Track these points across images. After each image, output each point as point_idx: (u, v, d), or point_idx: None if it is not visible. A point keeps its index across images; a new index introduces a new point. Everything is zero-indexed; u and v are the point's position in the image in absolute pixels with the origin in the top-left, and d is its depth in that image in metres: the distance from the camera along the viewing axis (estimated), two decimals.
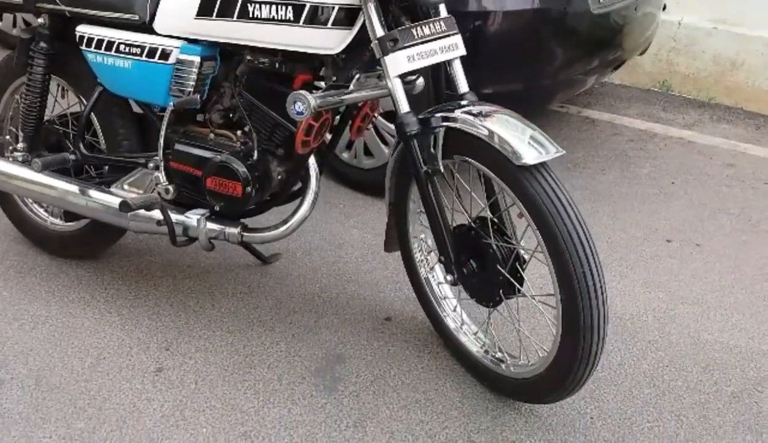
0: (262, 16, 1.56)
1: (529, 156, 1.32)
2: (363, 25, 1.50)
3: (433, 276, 1.82)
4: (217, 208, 1.74)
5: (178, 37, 1.70)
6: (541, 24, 2.35)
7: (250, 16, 1.57)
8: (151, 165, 1.80)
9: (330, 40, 1.53)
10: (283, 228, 1.76)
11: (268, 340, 1.88)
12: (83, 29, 1.81)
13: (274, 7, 1.53)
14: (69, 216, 2.03)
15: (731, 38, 3.80)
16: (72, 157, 1.92)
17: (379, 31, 1.47)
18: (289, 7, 1.52)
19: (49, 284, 2.08)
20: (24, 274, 2.13)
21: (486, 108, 1.50)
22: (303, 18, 1.51)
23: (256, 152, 1.68)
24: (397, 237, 1.84)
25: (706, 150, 3.20)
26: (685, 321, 2.00)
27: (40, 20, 1.85)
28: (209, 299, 2.04)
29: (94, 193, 1.85)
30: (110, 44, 1.76)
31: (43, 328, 1.90)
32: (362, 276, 2.17)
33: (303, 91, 1.47)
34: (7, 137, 2.20)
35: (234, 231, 1.75)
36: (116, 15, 1.74)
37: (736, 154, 3.17)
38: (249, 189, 1.67)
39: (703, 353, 1.87)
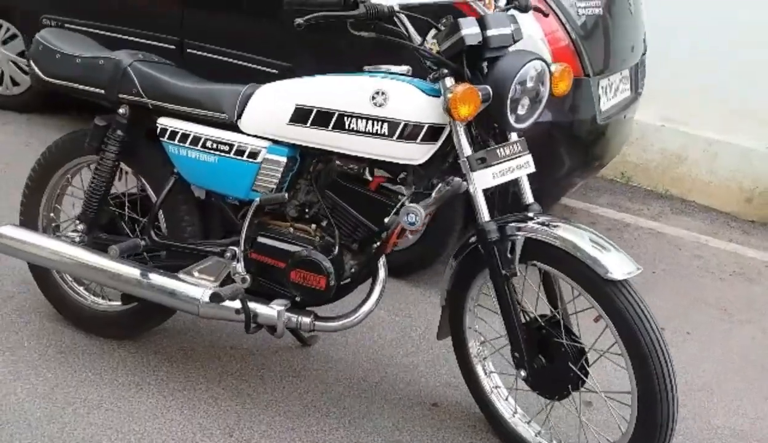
0: (358, 129, 1.70)
1: (618, 271, 1.51)
2: (445, 140, 1.69)
3: (485, 366, 1.96)
4: (297, 299, 1.83)
5: (264, 138, 1.82)
6: (555, 134, 2.61)
7: (346, 128, 1.71)
8: (228, 254, 1.88)
9: (417, 153, 1.69)
10: (352, 318, 1.86)
11: (327, 426, 1.95)
12: (165, 122, 1.89)
13: (370, 122, 1.69)
14: (127, 299, 2.04)
15: (677, 135, 4.31)
16: (142, 242, 1.96)
17: (467, 150, 1.65)
18: (385, 124, 1.68)
19: (93, 365, 2.07)
20: (65, 354, 2.11)
21: (557, 220, 1.70)
22: (397, 134, 1.67)
23: (337, 247, 1.80)
24: (450, 326, 1.98)
25: (675, 241, 3.55)
26: (696, 408, 2.22)
27: (121, 110, 1.92)
28: (260, 383, 2.09)
29: (172, 282, 1.89)
30: (196, 139, 1.85)
31: (99, 413, 1.89)
32: (400, 360, 2.29)
33: (415, 205, 1.62)
34: (51, 214, 2.21)
35: (307, 320, 1.85)
36: (203, 112, 1.85)
37: (700, 246, 3.53)
38: (332, 282, 1.78)
39: (717, 439, 2.09)
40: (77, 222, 2.08)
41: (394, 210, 1.74)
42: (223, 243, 1.94)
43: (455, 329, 1.97)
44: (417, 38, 1.66)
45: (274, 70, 2.78)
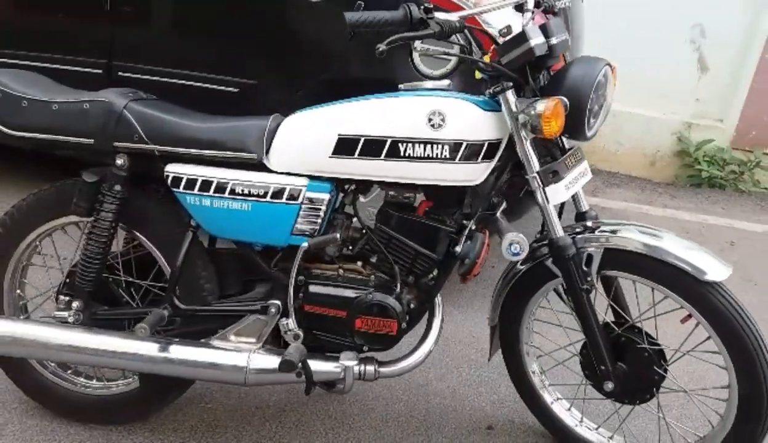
0: (415, 155, 1.55)
1: (715, 273, 1.50)
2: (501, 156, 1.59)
3: (544, 380, 1.91)
4: (365, 348, 1.65)
5: (298, 174, 1.61)
6: None
7: (402, 155, 1.55)
8: (271, 310, 1.65)
9: (477, 173, 1.57)
10: (414, 359, 1.71)
11: None
12: (177, 169, 1.61)
13: (429, 146, 1.54)
14: (147, 377, 1.74)
15: None
16: (165, 312, 1.67)
17: (536, 165, 1.56)
18: (446, 146, 1.54)
19: None
20: None
21: (624, 225, 1.66)
22: (459, 155, 1.55)
23: (398, 284, 1.65)
24: (503, 347, 1.90)
25: (621, 214, 3.71)
26: None
27: (119, 161, 1.61)
28: (305, 440, 1.88)
29: (210, 353, 1.62)
30: (222, 186, 1.59)
31: None
32: (437, 386, 2.17)
33: (518, 234, 1.49)
34: (18, 291, 1.83)
35: (371, 368, 1.67)
36: (224, 153, 1.59)
37: (644, 216, 3.72)
38: (403, 324, 1.63)
39: None
40: (62, 297, 1.74)
41: (464, 237, 1.61)
42: (253, 298, 1.71)
43: (509, 347, 1.88)
44: (477, 50, 1.53)
45: (233, 88, 2.51)
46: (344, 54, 2.36)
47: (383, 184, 1.64)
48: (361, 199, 1.71)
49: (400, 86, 1.65)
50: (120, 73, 2.64)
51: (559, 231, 1.60)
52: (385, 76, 2.34)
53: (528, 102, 1.48)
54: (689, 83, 4.72)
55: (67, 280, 1.77)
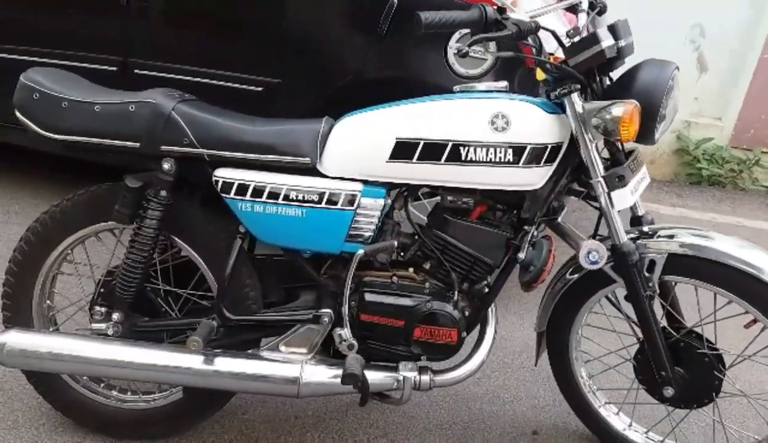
0: (477, 159, 1.50)
1: None
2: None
3: (592, 385, 1.87)
4: (424, 358, 1.60)
5: (351, 179, 1.55)
6: None
7: (463, 159, 1.50)
8: (325, 319, 1.59)
9: (538, 177, 1.53)
10: (469, 368, 1.66)
11: None
12: (227, 174, 1.53)
13: (492, 149, 1.49)
14: (190, 390, 1.67)
15: None
16: (214, 323, 1.59)
17: (601, 169, 1.52)
18: (510, 150, 1.49)
19: None
20: None
21: (683, 230, 1.63)
22: (523, 159, 1.50)
23: (456, 292, 1.60)
24: (551, 352, 1.86)
25: None
26: None
27: (166, 166, 1.53)
28: None
29: (262, 365, 1.56)
30: (275, 192, 1.52)
31: None
32: (474, 391, 2.12)
33: (597, 241, 1.45)
34: (47, 302, 1.74)
35: (426, 378, 1.62)
36: (278, 158, 1.52)
37: (658, 215, 3.69)
38: (463, 333, 1.58)
39: None
40: (97, 308, 1.66)
41: (526, 243, 1.57)
42: (303, 306, 1.64)
43: (557, 352, 1.85)
44: (545, 51, 1.49)
45: (256, 87, 2.43)
46: (374, 52, 2.30)
47: (441, 189, 1.59)
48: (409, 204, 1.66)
49: (455, 88, 1.60)
50: (136, 71, 2.55)
51: (623, 237, 1.56)
52: (416, 76, 2.29)
53: (600, 105, 1.44)
54: (688, 82, 4.75)
55: (102, 290, 1.69)
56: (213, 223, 1.61)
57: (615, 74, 1.57)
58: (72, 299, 1.82)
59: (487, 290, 1.66)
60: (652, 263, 1.59)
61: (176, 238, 1.62)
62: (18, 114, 1.53)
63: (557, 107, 1.52)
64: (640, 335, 1.72)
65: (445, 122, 1.50)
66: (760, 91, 4.68)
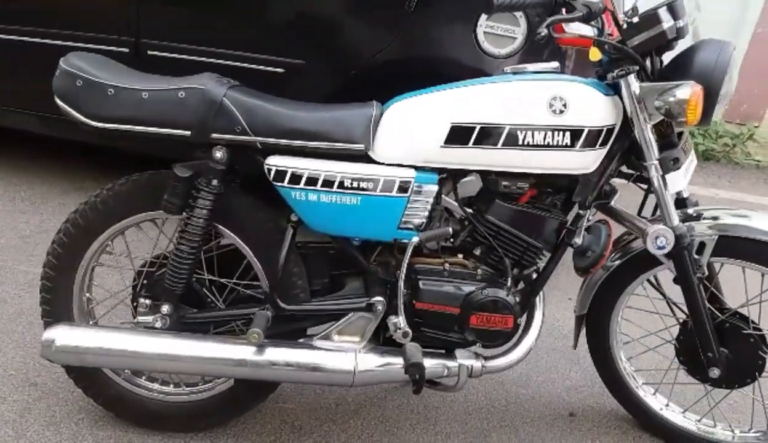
0: (535, 143, 1.49)
1: None
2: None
3: (629, 366, 1.90)
4: (479, 345, 1.60)
5: (403, 165, 1.53)
6: None
7: (520, 143, 1.49)
8: (378, 307, 1.57)
9: (592, 160, 1.52)
10: (518, 354, 1.67)
11: None
12: (279, 162, 1.49)
13: (550, 133, 1.48)
14: (240, 383, 1.64)
15: None
16: (269, 313, 1.56)
17: (656, 152, 1.52)
18: (567, 133, 1.48)
19: None
20: None
21: (730, 211, 1.65)
22: (580, 142, 1.49)
23: (509, 278, 1.59)
24: (589, 335, 1.88)
25: None
26: None
27: (218, 154, 1.49)
28: (395, 439, 1.82)
29: (316, 355, 1.54)
30: (329, 180, 1.49)
31: None
32: (508, 375, 2.14)
33: (663, 227, 1.45)
34: (87, 294, 1.69)
35: (479, 365, 1.63)
36: (331, 144, 1.48)
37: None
38: (519, 319, 1.58)
39: None
40: (142, 301, 1.61)
41: (581, 228, 1.56)
42: (354, 295, 1.63)
43: (597, 335, 1.86)
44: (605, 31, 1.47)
45: (277, 68, 2.37)
46: (401, 29, 2.25)
47: (494, 174, 1.57)
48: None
49: (506, 69, 1.58)
50: (149, 52, 2.46)
51: (675, 220, 1.57)
52: (444, 55, 2.26)
53: (660, 87, 1.43)
54: None
55: (145, 282, 1.65)
56: (262, 212, 1.57)
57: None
58: (110, 291, 1.76)
59: (536, 275, 1.66)
60: (702, 245, 1.60)
61: (224, 228, 1.58)
62: (59, 101, 1.46)
63: (610, 89, 1.51)
64: (681, 316, 1.74)
65: (502, 106, 1.47)
66: (753, 66, 4.74)
